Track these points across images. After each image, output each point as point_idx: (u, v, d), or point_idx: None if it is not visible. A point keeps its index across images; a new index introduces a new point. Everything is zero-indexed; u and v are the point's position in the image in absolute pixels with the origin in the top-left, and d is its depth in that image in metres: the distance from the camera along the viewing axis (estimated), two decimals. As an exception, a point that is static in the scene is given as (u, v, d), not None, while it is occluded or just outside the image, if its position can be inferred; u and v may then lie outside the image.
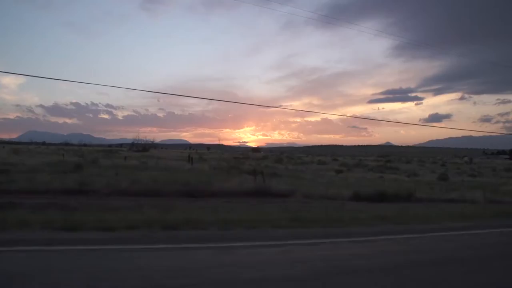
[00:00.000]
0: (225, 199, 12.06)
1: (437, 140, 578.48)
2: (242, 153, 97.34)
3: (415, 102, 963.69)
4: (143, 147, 76.39)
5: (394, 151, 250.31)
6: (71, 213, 7.85)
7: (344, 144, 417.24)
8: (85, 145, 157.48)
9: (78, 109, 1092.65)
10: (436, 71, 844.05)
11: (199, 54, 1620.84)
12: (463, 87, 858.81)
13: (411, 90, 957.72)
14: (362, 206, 12.24)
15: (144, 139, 77.56)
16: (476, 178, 42.70)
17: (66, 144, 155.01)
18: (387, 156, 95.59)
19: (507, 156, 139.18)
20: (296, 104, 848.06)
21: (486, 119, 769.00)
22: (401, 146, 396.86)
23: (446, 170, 52.81)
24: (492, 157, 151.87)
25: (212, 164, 32.99)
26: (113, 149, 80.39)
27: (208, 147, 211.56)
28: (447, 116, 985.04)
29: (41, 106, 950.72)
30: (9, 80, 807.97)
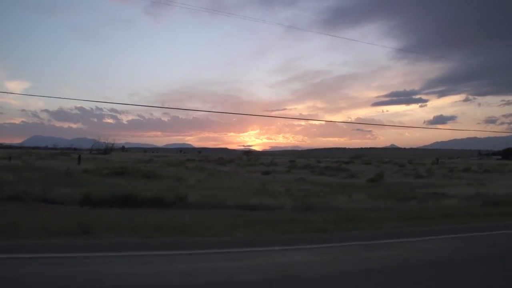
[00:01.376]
0: None
1: (442, 142, 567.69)
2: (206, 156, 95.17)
3: (420, 104, 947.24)
4: (104, 150, 74.96)
5: (399, 153, 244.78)
6: None
7: (348, 146, 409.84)
8: (75, 149, 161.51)
9: (83, 114, 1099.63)
10: (440, 73, 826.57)
11: (203, 58, 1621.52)
12: (467, 88, 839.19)
13: (415, 92, 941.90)
14: (65, 210, 9.66)
15: (105, 141, 75.80)
16: (421, 180, 39.54)
17: (54, 148, 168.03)
18: (358, 157, 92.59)
19: (500, 157, 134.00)
20: (301, 107, 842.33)
21: (490, 120, 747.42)
22: (406, 148, 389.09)
23: (399, 171, 49.71)
24: (484, 158, 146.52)
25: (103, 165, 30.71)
26: (70, 152, 78.86)
27: (200, 150, 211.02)
28: (451, 118, 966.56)
29: (46, 111, 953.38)
30: (14, 85, 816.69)
